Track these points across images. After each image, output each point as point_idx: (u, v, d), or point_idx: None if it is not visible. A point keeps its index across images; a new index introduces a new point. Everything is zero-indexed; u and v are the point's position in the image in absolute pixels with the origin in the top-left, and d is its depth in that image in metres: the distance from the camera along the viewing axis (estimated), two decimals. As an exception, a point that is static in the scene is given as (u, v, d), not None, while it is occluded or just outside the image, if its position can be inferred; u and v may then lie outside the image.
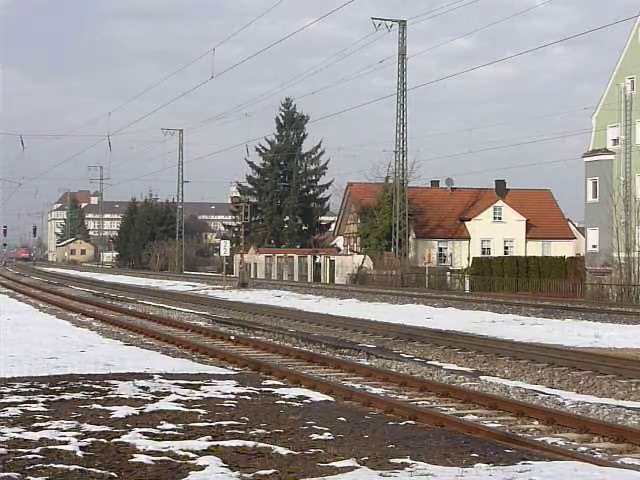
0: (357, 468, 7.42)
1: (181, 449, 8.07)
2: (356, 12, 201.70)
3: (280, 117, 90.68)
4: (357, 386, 14.72)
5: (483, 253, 72.28)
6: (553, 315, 30.38)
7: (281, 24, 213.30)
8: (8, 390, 11.80)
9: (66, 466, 7.30)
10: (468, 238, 76.11)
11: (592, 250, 58.64)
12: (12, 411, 10.02)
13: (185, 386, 12.40)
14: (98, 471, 7.22)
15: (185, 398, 11.27)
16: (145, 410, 10.24)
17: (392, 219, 63.42)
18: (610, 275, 46.85)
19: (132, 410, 10.18)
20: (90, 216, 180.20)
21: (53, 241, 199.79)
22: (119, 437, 8.60)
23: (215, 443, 8.38)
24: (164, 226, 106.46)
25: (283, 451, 8.05)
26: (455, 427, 10.48)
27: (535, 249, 73.48)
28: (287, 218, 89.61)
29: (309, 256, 72.79)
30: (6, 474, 7.02)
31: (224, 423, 9.51)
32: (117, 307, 35.23)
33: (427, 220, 75.19)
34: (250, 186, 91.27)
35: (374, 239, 68.42)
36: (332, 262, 69.48)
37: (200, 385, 12.52)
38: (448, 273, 59.13)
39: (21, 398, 11.06)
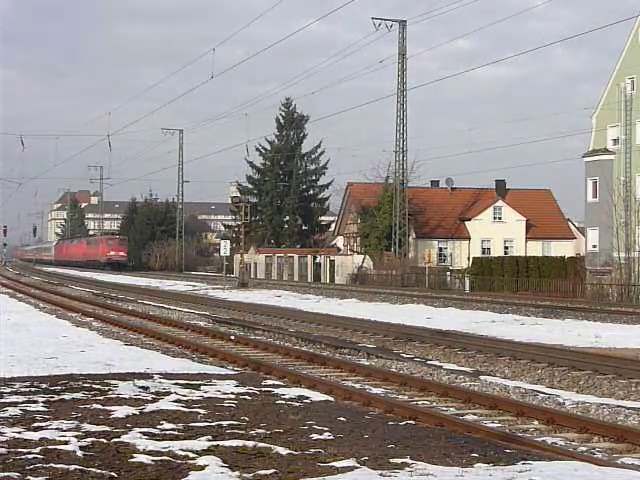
0: (357, 468, 7.42)
1: (181, 449, 8.07)
2: (356, 14, 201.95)
3: (280, 117, 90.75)
4: (357, 386, 14.72)
5: (483, 253, 72.29)
6: (553, 315, 30.38)
7: (281, 24, 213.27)
8: (8, 390, 11.80)
9: (66, 466, 7.30)
10: (468, 238, 76.13)
11: (592, 250, 58.63)
12: (12, 411, 10.02)
13: (185, 386, 12.41)
14: (98, 471, 7.22)
15: (185, 398, 11.27)
16: (145, 410, 10.24)
17: (392, 219, 63.45)
18: (610, 275, 46.85)
19: (132, 410, 10.18)
20: (90, 216, 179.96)
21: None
22: (119, 437, 8.59)
23: (215, 443, 8.38)
24: (164, 226, 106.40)
25: (283, 451, 8.05)
26: (455, 427, 10.47)
27: (535, 249, 73.50)
28: (287, 218, 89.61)
29: (309, 256, 72.77)
30: (6, 474, 7.01)
31: (224, 423, 9.51)
32: (117, 307, 35.21)
33: (427, 220, 75.21)
34: (250, 186, 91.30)
35: (374, 239, 68.44)
36: (332, 262, 69.47)
37: (200, 385, 12.52)
38: (448, 273, 59.13)
39: (21, 398, 11.06)
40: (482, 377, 16.33)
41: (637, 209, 50.40)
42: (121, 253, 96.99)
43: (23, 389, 11.97)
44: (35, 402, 10.74)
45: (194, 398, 11.31)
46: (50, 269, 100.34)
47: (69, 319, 27.99)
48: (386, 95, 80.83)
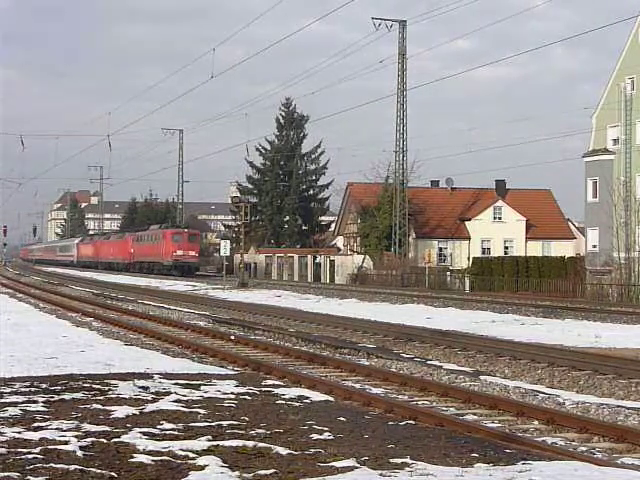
0: (357, 468, 7.42)
1: (181, 449, 8.07)
2: (356, 14, 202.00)
3: (280, 117, 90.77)
4: (357, 386, 14.71)
5: (483, 253, 72.29)
6: (553, 315, 30.37)
7: (281, 24, 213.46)
8: (8, 390, 11.79)
9: (66, 466, 7.30)
10: (468, 238, 76.12)
11: (592, 250, 58.62)
12: (12, 411, 10.01)
13: (185, 386, 12.40)
14: (98, 471, 7.22)
15: (185, 398, 11.27)
16: (145, 410, 10.24)
17: (392, 219, 63.45)
18: (610, 275, 46.85)
19: (132, 410, 10.18)
20: (90, 216, 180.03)
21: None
22: (119, 437, 8.59)
23: (215, 443, 8.37)
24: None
25: (283, 451, 8.05)
26: (455, 427, 10.47)
27: (535, 249, 73.50)
28: (287, 218, 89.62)
29: (309, 256, 72.75)
30: (6, 474, 7.01)
31: (224, 423, 9.51)
32: (117, 307, 35.19)
33: (427, 220, 75.21)
34: (250, 186, 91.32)
35: (374, 239, 68.43)
36: (332, 262, 69.46)
37: (200, 385, 12.52)
38: (448, 273, 59.13)
39: (21, 398, 11.06)
40: (482, 377, 16.33)
41: (637, 209, 50.40)
42: (192, 253, 71.97)
43: (23, 389, 11.97)
44: (35, 402, 10.74)
45: (194, 398, 11.31)
46: (50, 269, 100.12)
47: (69, 319, 27.98)
48: (386, 95, 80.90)
